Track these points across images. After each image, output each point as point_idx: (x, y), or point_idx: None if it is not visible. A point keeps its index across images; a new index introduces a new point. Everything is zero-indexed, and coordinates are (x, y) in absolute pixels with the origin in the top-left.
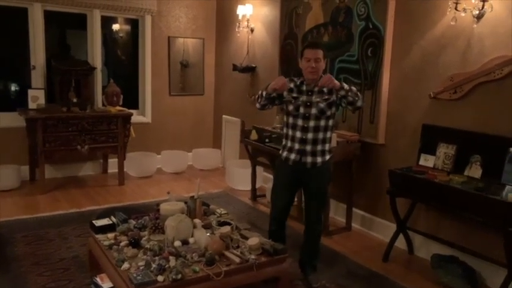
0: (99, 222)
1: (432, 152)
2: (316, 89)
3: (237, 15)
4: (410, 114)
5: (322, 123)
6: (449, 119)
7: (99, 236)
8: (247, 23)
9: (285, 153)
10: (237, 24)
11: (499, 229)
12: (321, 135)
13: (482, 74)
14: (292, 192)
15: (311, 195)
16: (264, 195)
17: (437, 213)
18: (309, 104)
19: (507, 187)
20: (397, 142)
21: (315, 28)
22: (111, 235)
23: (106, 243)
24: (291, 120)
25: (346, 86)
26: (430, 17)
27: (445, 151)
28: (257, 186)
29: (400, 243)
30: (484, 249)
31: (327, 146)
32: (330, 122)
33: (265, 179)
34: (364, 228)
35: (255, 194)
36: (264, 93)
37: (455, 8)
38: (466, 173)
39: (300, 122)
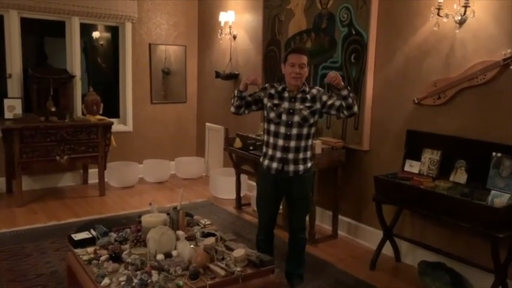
0: (78, 236)
1: (417, 157)
2: (299, 95)
3: (219, 22)
4: (394, 120)
5: (305, 131)
6: (434, 124)
7: (78, 251)
8: (230, 29)
9: (266, 162)
10: (220, 31)
11: (485, 235)
12: (303, 143)
13: (465, 79)
14: (276, 201)
15: (294, 203)
16: (249, 204)
17: (423, 219)
18: (291, 111)
19: (492, 192)
20: (381, 148)
21: (297, 35)
22: (90, 249)
23: (85, 258)
24: (272, 127)
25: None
26: (412, 23)
27: (430, 157)
28: (242, 194)
29: (387, 250)
30: (471, 255)
31: (308, 154)
32: (312, 130)
33: (250, 187)
34: (351, 235)
35: (239, 202)
36: (236, 91)
37: (438, 14)
38: (451, 178)
39: (282, 130)
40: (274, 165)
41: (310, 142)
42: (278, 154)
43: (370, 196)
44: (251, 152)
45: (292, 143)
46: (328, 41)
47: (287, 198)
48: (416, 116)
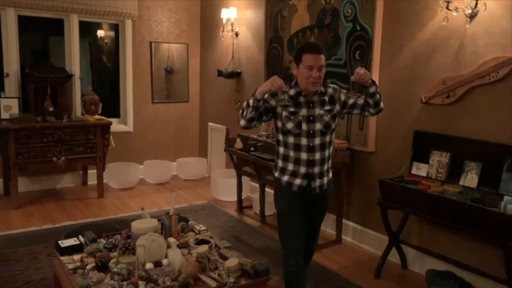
0: (65, 243)
1: (425, 160)
2: (316, 98)
3: (221, 19)
4: (401, 120)
5: (327, 138)
6: (443, 124)
7: (64, 258)
8: (232, 26)
9: (286, 177)
10: (221, 28)
11: (498, 243)
12: (327, 153)
13: (476, 76)
14: (303, 220)
15: (315, 217)
16: (250, 207)
17: (431, 225)
18: (311, 118)
19: (505, 198)
20: (388, 150)
21: (300, 31)
22: (77, 257)
23: (70, 266)
24: (291, 139)
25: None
26: (420, 17)
27: (439, 159)
28: (243, 196)
29: (393, 257)
30: (482, 264)
31: (330, 163)
32: (333, 136)
33: (252, 189)
34: (355, 241)
35: (241, 205)
36: (251, 101)
37: (447, 7)
38: (461, 182)
39: (304, 141)
40: (298, 181)
41: (331, 149)
42: (302, 169)
43: (376, 200)
44: (251, 153)
45: (317, 155)
46: (332, 37)
47: (308, 214)
48: (424, 116)
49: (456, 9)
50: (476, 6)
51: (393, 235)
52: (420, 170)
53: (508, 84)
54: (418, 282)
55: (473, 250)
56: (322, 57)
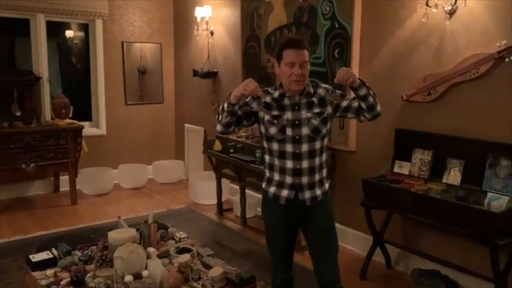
0: (36, 257)
1: (407, 158)
2: (303, 100)
3: (196, 18)
4: (382, 119)
5: (318, 145)
6: (424, 122)
7: (36, 274)
8: (207, 25)
9: (272, 189)
10: (196, 27)
11: (483, 241)
12: (317, 161)
13: (457, 73)
14: (291, 235)
15: (318, 240)
16: (231, 209)
17: (416, 224)
18: (297, 122)
19: (489, 194)
20: (369, 149)
21: (278, 29)
22: (50, 272)
23: (43, 282)
24: (275, 146)
25: (366, 82)
26: (399, 14)
27: (421, 157)
28: (223, 199)
29: (377, 256)
30: (467, 262)
31: (324, 173)
32: (325, 142)
33: (232, 192)
34: (339, 241)
35: (221, 208)
36: (225, 105)
37: (426, 4)
38: (444, 179)
39: (289, 148)
40: (285, 193)
41: (324, 157)
42: (288, 179)
43: (358, 199)
44: (231, 155)
45: (305, 163)
46: (310, 35)
47: (306, 234)
48: (405, 114)
49: (436, 5)
50: (455, 2)
51: (377, 235)
52: (402, 168)
53: (488, 81)
54: (404, 281)
55: (459, 248)
56: (305, 52)
